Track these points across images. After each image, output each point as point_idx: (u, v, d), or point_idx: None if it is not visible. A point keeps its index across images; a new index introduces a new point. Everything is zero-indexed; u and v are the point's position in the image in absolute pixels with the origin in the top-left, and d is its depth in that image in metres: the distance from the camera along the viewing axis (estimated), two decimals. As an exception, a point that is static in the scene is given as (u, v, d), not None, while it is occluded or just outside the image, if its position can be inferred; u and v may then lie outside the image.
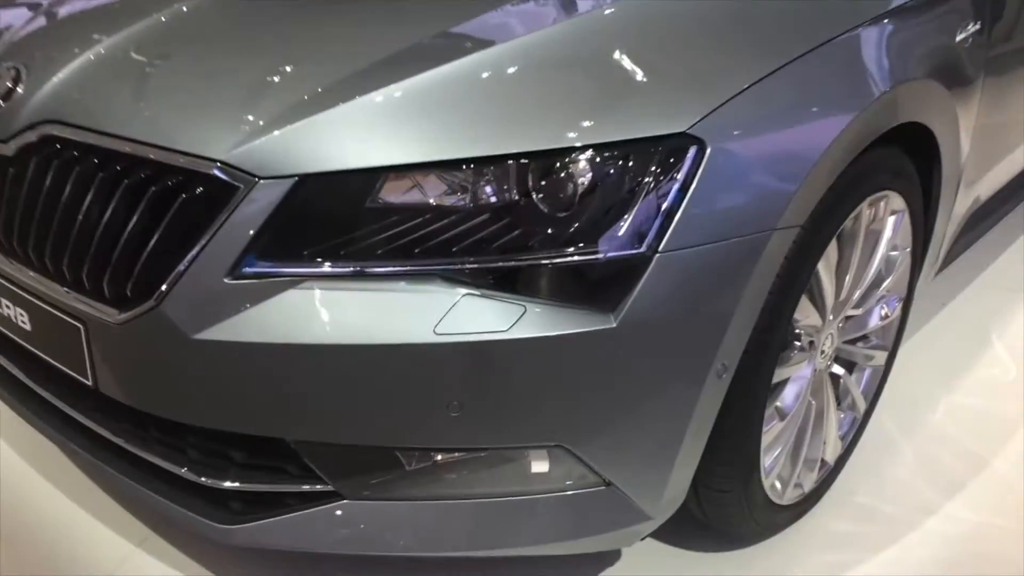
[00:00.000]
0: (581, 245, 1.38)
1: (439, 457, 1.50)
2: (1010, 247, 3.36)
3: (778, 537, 1.98)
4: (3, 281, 1.67)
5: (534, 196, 1.38)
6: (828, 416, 1.96)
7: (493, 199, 1.38)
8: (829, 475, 2.06)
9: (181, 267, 1.41)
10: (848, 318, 1.96)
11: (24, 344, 1.69)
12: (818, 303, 1.75)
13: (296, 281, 1.39)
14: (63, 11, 1.97)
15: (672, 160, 1.39)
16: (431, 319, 1.36)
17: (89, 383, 1.56)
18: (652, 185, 1.39)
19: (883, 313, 2.06)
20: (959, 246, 2.46)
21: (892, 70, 1.71)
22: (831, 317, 1.84)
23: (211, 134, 1.44)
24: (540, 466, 1.50)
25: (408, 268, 1.39)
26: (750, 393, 1.59)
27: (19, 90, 1.65)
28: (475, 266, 1.38)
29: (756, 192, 1.45)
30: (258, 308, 1.39)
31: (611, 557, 1.91)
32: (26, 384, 1.79)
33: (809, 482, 1.97)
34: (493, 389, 1.40)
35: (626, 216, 1.38)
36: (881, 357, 2.12)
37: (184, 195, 1.42)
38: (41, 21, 1.94)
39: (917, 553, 1.98)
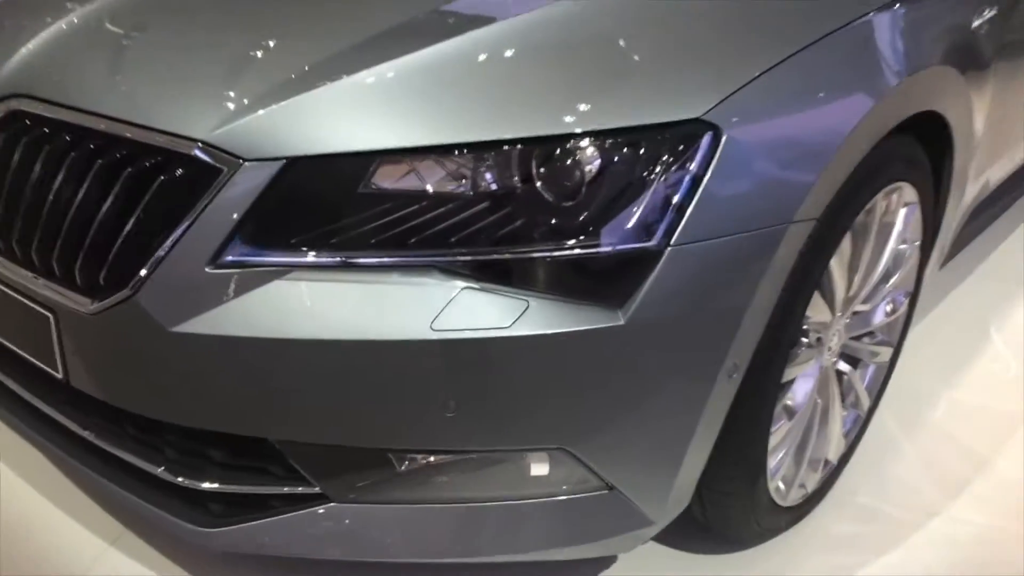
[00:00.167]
0: (587, 237, 1.29)
1: (432, 458, 1.41)
2: (1008, 238, 3.30)
3: (778, 539, 1.92)
4: (-33, 265, 1.56)
5: (538, 184, 1.29)
6: (833, 414, 1.89)
7: (494, 186, 1.30)
8: (832, 475, 1.99)
9: (159, 255, 1.32)
10: (855, 314, 1.89)
11: (-10, 332, 1.60)
12: (828, 299, 1.67)
13: (282, 271, 1.30)
14: (34, -23, 1.86)
15: (685, 147, 1.31)
16: (427, 314, 1.27)
17: (59, 376, 1.47)
18: (664, 174, 1.30)
19: (889, 308, 1.99)
20: (964, 237, 2.39)
21: (911, 56, 1.63)
22: (839, 313, 1.76)
23: (192, 112, 1.34)
24: (539, 469, 1.41)
25: (403, 259, 1.30)
26: (759, 393, 1.52)
27: (-15, 61, 1.55)
28: (475, 258, 1.30)
29: (773, 183, 1.37)
30: (241, 300, 1.30)
31: (607, 558, 1.84)
32: (-8, 374, 1.69)
33: (812, 482, 1.90)
34: (492, 389, 1.31)
35: (636, 207, 1.30)
36: (886, 353, 2.06)
37: (163, 177, 1.33)
38: (11, -12, 1.83)
39: (921, 556, 1.93)
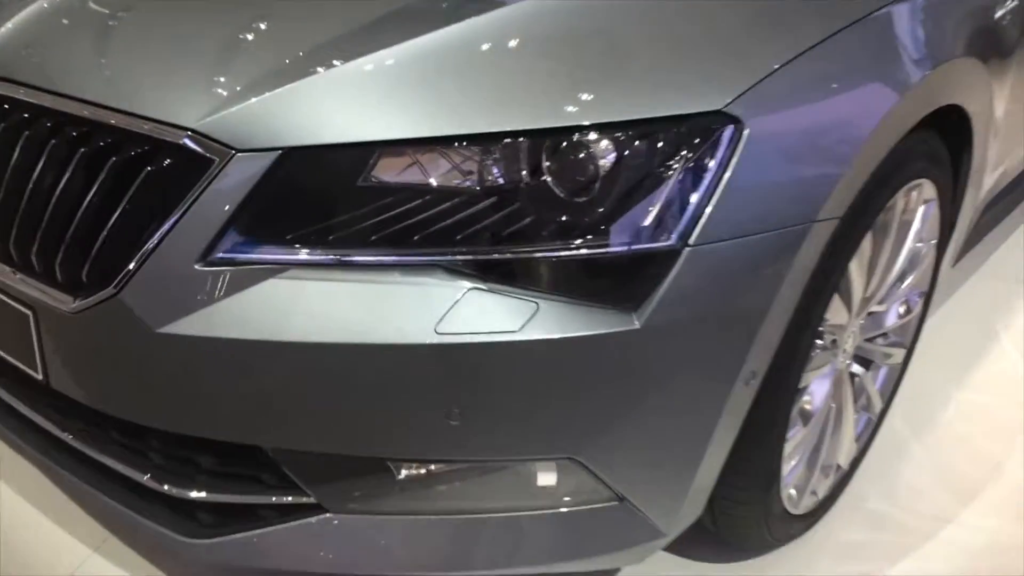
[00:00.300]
0: (601, 235, 1.22)
1: (432, 467, 1.34)
2: (1013, 234, 3.24)
3: (788, 546, 1.85)
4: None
5: (548, 179, 1.22)
6: (845, 418, 1.83)
7: (502, 181, 1.22)
8: (842, 480, 1.93)
9: (145, 250, 1.24)
10: (870, 314, 1.82)
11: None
12: (846, 300, 1.60)
13: (277, 269, 1.22)
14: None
15: (705, 141, 1.23)
16: (431, 316, 1.20)
17: (39, 378, 1.39)
18: (682, 169, 1.23)
19: (903, 309, 1.92)
20: (977, 232, 2.33)
21: (934, 48, 1.56)
22: (856, 314, 1.69)
23: (181, 99, 1.26)
24: (547, 479, 1.34)
25: (405, 258, 1.22)
26: (776, 399, 1.45)
27: (-39, 42, 1.46)
28: (481, 257, 1.22)
29: (797, 180, 1.30)
30: (233, 299, 1.22)
31: (611, 568, 1.77)
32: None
33: (823, 489, 1.84)
34: (499, 396, 1.24)
35: (652, 204, 1.22)
36: (899, 355, 1.99)
37: (149, 168, 1.25)
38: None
39: (934, 564, 1.87)
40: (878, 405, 1.98)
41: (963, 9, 1.69)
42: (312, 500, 1.34)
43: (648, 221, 1.22)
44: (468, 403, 1.24)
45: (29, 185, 1.32)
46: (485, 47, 1.29)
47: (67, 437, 1.45)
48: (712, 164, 1.23)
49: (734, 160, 1.23)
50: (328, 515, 1.35)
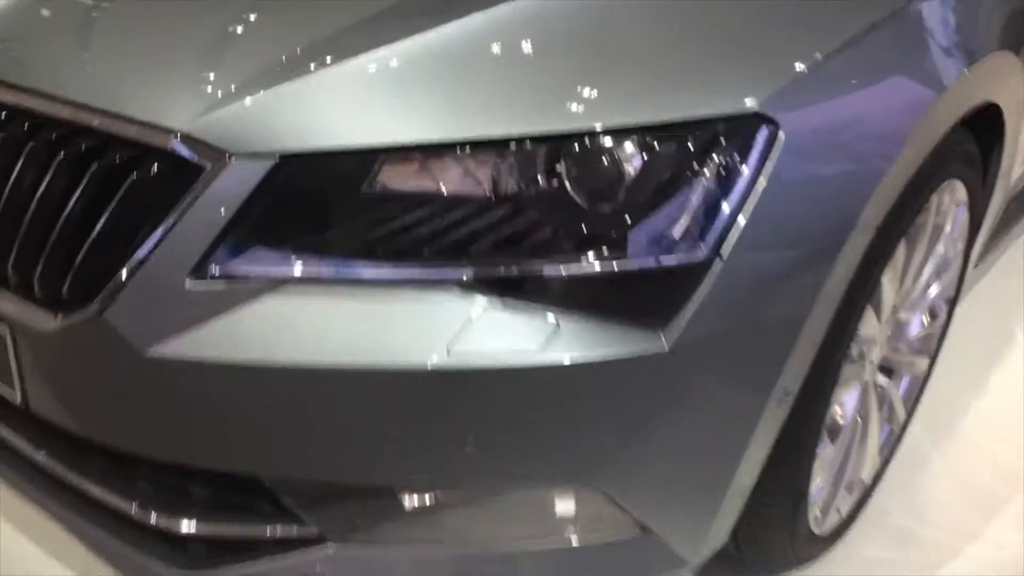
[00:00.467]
0: (627, 248, 1.12)
1: (442, 495, 1.24)
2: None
3: (810, 566, 1.76)
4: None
5: (569, 186, 1.12)
6: (870, 431, 1.74)
7: (518, 189, 1.13)
8: (864, 495, 1.84)
9: (131, 265, 1.14)
10: (898, 323, 1.73)
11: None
12: (877, 310, 1.51)
13: (275, 285, 1.13)
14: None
15: (739, 145, 1.14)
16: (443, 337, 1.10)
17: (17, 400, 1.28)
18: (715, 175, 1.13)
19: (929, 316, 1.84)
20: (999, 231, 2.24)
21: (972, 40, 1.48)
22: (885, 324, 1.60)
23: (170, 98, 1.16)
24: (565, 508, 1.25)
25: (415, 273, 1.12)
26: (807, 417, 1.36)
27: (-69, 37, 1.35)
28: (497, 272, 1.12)
29: (835, 185, 1.21)
30: (228, 318, 1.12)
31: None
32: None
33: (847, 506, 1.76)
34: (516, 422, 1.15)
35: (683, 213, 1.13)
36: (923, 363, 1.91)
37: (135, 174, 1.15)
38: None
39: (962, 584, 1.78)
40: (901, 416, 1.90)
41: (1001, 3, 1.60)
42: (312, 530, 1.25)
43: (677, 232, 1.13)
44: (482, 429, 1.14)
45: (4, 192, 1.22)
46: (497, 43, 1.19)
47: (48, 463, 1.34)
48: (746, 169, 1.14)
49: (769, 165, 1.14)
50: (329, 546, 1.25)
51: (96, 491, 1.31)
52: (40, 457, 1.35)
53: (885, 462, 1.92)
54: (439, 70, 1.15)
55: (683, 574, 1.39)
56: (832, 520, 1.70)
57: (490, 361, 1.10)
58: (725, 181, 1.13)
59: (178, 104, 1.15)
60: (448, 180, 1.13)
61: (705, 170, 1.13)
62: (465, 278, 1.13)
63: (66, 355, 1.21)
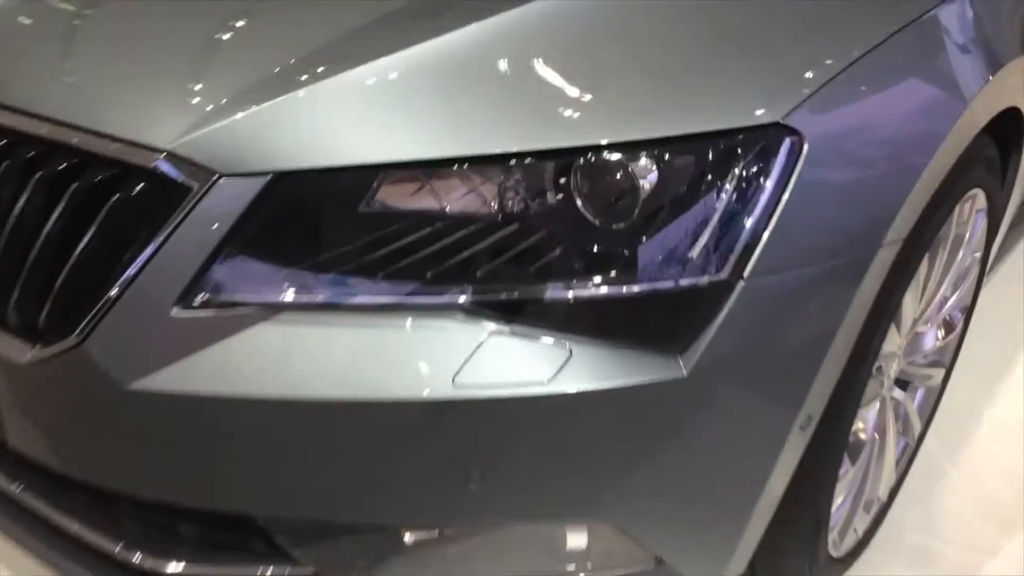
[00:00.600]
0: (643, 269, 1.05)
1: (446, 531, 1.17)
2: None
3: (826, 589, 1.70)
4: None
5: (580, 203, 1.05)
6: (888, 447, 1.68)
7: (527, 207, 1.06)
8: (881, 512, 1.77)
9: (113, 292, 1.06)
10: (915, 335, 1.67)
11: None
12: (898, 325, 1.44)
13: (268, 313, 1.05)
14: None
15: (761, 158, 1.07)
16: (448, 366, 1.03)
17: (-7, 434, 1.21)
18: (736, 190, 1.06)
19: (945, 327, 1.77)
20: (1010, 239, 2.18)
21: (997, 46, 1.41)
22: (904, 338, 1.54)
23: (154, 114, 1.09)
24: (576, 542, 1.18)
25: (417, 298, 1.05)
26: (830, 442, 1.29)
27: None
28: (505, 296, 1.05)
29: (862, 200, 1.14)
30: (216, 349, 1.05)
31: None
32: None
33: (863, 525, 1.69)
34: (526, 455, 1.08)
35: (702, 231, 1.06)
36: (939, 375, 1.84)
37: (117, 195, 1.07)
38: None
39: (984, 603, 1.72)
40: (917, 428, 1.83)
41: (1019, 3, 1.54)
42: (308, 570, 1.17)
43: (696, 251, 1.06)
44: (490, 464, 1.07)
45: (-24, 216, 1.15)
46: (502, 53, 1.12)
47: (28, 499, 1.26)
48: (769, 184, 1.07)
49: (793, 179, 1.07)
50: (328, 586, 1.18)
51: (79, 530, 1.23)
52: (19, 493, 1.27)
53: (901, 477, 1.85)
54: (441, 82, 1.08)
55: (700, 607, 1.32)
56: (849, 541, 1.64)
57: (498, 393, 1.03)
58: (746, 196, 1.07)
59: (163, 120, 1.07)
60: (451, 198, 1.06)
61: (725, 185, 1.07)
62: (470, 302, 1.06)
63: (44, 388, 1.13)
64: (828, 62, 1.13)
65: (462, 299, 1.05)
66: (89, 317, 1.07)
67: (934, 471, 2.04)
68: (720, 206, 1.06)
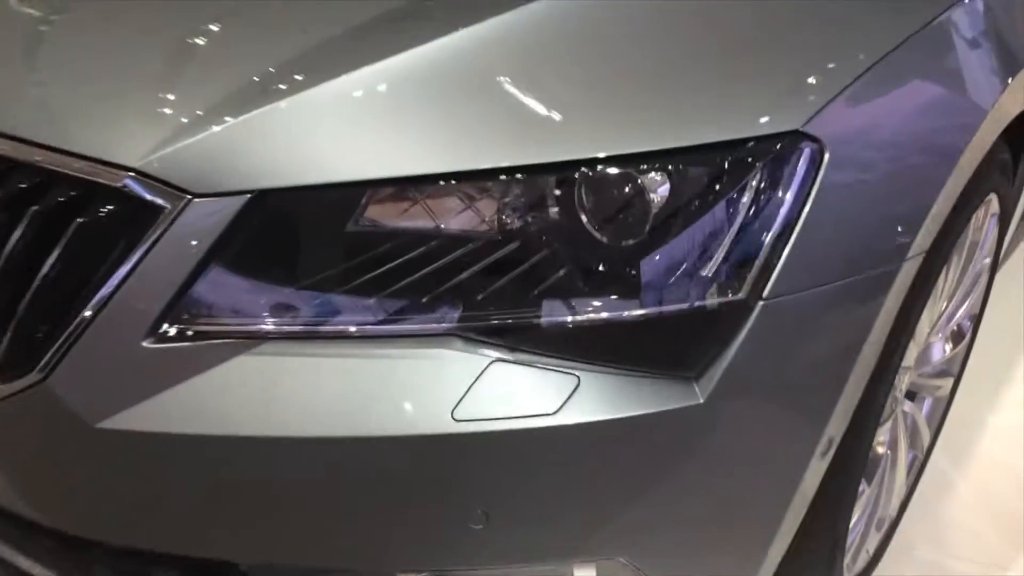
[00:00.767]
0: (654, 290, 0.98)
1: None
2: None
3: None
4: None
5: (585, 220, 0.97)
6: (899, 462, 1.61)
7: (527, 224, 0.97)
8: (891, 529, 1.71)
9: (79, 324, 0.97)
10: (926, 347, 1.60)
11: None
12: (917, 339, 1.37)
13: (249, 344, 0.97)
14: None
15: (781, 168, 0.99)
16: (447, 399, 0.95)
17: (-48, 477, 1.11)
18: (754, 204, 0.99)
19: (956, 336, 1.71)
20: (1015, 239, 2.13)
21: (1016, 49, 1.34)
22: (917, 351, 1.47)
23: (121, 130, 1.00)
24: (585, 581, 1.10)
25: (412, 325, 0.97)
26: (849, 466, 1.22)
27: None
28: (507, 320, 0.97)
29: (886, 211, 1.07)
30: (193, 384, 0.96)
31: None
32: None
33: (874, 543, 1.63)
34: (533, 492, 1.00)
35: (718, 248, 0.98)
36: (947, 385, 1.78)
37: (82, 218, 0.97)
38: None
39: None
40: (926, 439, 1.77)
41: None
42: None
43: (711, 270, 0.98)
44: (494, 503, 0.99)
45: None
46: (498, 60, 1.03)
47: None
48: (788, 196, 0.99)
49: (814, 190, 1.00)
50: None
51: (46, 577, 1.14)
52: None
53: (910, 491, 1.79)
54: (433, 92, 0.99)
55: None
56: (861, 562, 1.58)
57: (501, 426, 0.95)
58: (764, 210, 0.99)
59: (131, 135, 0.98)
60: (446, 216, 0.98)
61: (742, 198, 0.99)
62: (468, 329, 0.97)
63: (5, 427, 1.04)
64: (847, 65, 1.06)
65: (460, 325, 0.97)
66: (53, 350, 0.97)
67: (941, 483, 1.98)
68: (736, 221, 0.99)
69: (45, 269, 0.99)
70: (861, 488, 1.40)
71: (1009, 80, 1.27)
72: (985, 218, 1.50)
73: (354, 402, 0.95)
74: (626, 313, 0.98)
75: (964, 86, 1.19)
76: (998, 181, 1.43)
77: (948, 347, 1.71)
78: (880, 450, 1.47)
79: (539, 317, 0.98)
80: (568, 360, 0.98)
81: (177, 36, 1.10)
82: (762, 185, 0.99)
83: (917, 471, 1.79)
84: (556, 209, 0.98)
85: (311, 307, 0.98)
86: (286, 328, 0.97)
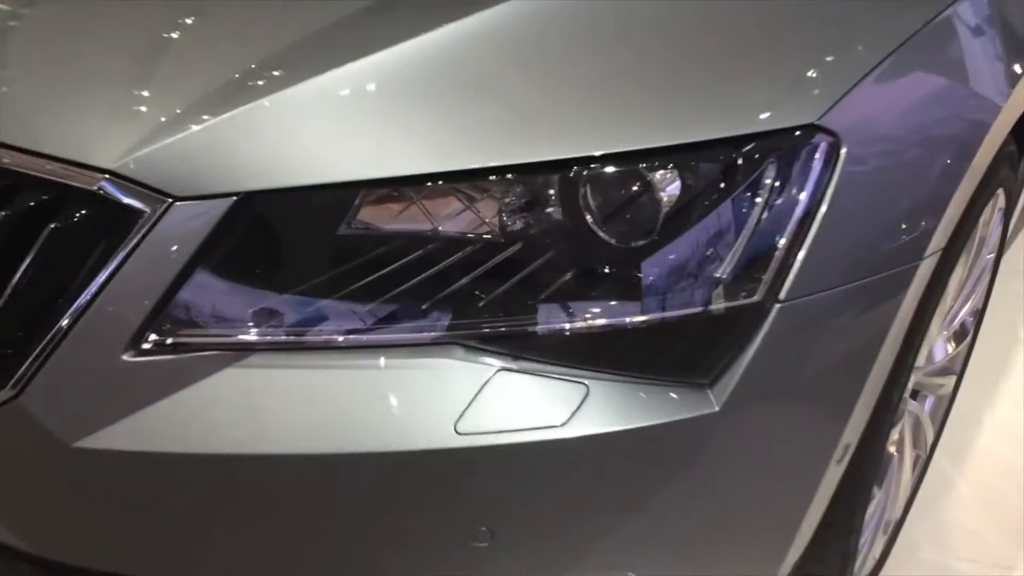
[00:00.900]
0: (666, 293, 0.92)
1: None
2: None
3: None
4: None
5: (591, 220, 0.92)
6: (905, 464, 1.57)
7: (532, 226, 0.92)
8: (896, 531, 1.67)
9: (53, 337, 0.90)
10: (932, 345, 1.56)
11: None
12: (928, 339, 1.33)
13: (236, 357, 0.91)
14: None
15: (796, 163, 0.94)
16: (449, 412, 0.90)
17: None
18: (770, 201, 0.94)
19: (959, 333, 1.67)
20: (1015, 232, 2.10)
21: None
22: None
23: (95, 129, 0.93)
24: (593, 598, 1.05)
25: (410, 334, 0.91)
26: (863, 472, 1.17)
27: None
28: (510, 327, 0.92)
29: (904, 208, 1.02)
30: (177, 400, 0.90)
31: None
32: None
33: (880, 547, 1.58)
34: (540, 508, 0.95)
35: (731, 249, 0.93)
36: (950, 383, 1.74)
37: (55, 224, 0.91)
38: None
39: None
40: (929, 439, 1.73)
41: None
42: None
43: (725, 272, 0.93)
44: (499, 520, 0.94)
45: None
46: (499, 52, 0.98)
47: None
48: (805, 193, 0.95)
49: (832, 187, 0.95)
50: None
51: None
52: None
53: (914, 491, 1.75)
54: (429, 86, 0.94)
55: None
56: (868, 566, 1.54)
57: (507, 439, 0.89)
58: (780, 207, 0.94)
59: (106, 135, 0.92)
60: (445, 218, 0.92)
61: (756, 195, 0.94)
62: (471, 337, 0.92)
63: (-24, 448, 0.97)
64: (861, 56, 1.01)
65: (461, 333, 0.92)
66: (26, 365, 0.91)
67: (942, 481, 1.95)
68: (751, 219, 0.94)
69: (16, 278, 0.92)
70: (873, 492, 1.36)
71: (1022, 73, 1.23)
72: (992, 213, 1.46)
73: (350, 416, 0.90)
74: (636, 318, 0.93)
75: (979, 79, 1.15)
76: (1006, 175, 1.39)
77: (951, 345, 1.67)
78: (890, 451, 1.43)
79: (544, 323, 0.92)
80: (576, 368, 0.93)
81: (153, 33, 1.04)
82: (777, 181, 0.94)
83: (921, 470, 1.75)
84: (560, 209, 0.93)
85: (303, 316, 0.92)
86: (277, 338, 0.91)
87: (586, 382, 0.92)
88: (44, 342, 0.91)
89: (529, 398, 0.91)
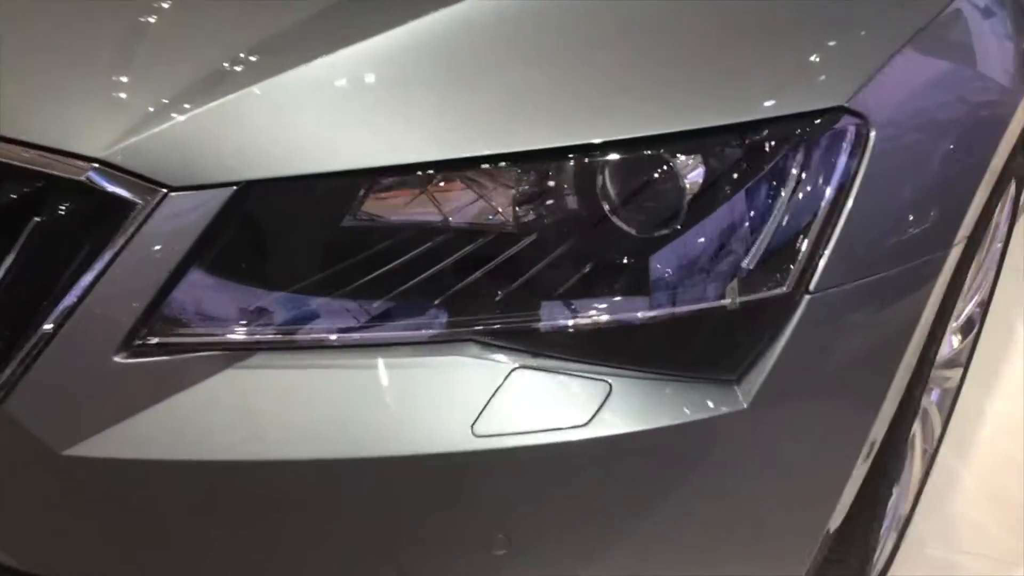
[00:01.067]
0: (690, 285, 0.88)
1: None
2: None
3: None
4: None
5: (609, 209, 0.87)
6: (915, 459, 1.54)
7: (548, 216, 0.87)
8: (904, 527, 1.64)
9: (39, 338, 0.84)
10: (942, 336, 1.53)
11: None
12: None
13: (236, 357, 0.86)
14: None
15: (824, 149, 0.90)
16: (465, 413, 0.85)
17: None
18: (796, 189, 0.89)
19: (966, 325, 1.64)
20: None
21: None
22: (940, 342, 1.40)
23: (83, 116, 0.87)
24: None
25: (423, 330, 0.86)
26: (887, 468, 1.14)
27: None
28: (528, 323, 0.86)
29: (934, 194, 0.99)
30: (173, 403, 0.85)
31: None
32: None
33: (890, 543, 1.55)
34: (561, 512, 0.90)
35: (758, 238, 0.89)
36: (956, 376, 1.71)
37: (40, 217, 0.85)
38: None
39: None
40: (936, 432, 1.70)
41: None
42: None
43: (753, 262, 0.89)
44: (519, 525, 0.90)
45: None
46: (510, 32, 0.92)
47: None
48: (833, 180, 0.90)
49: (861, 172, 0.90)
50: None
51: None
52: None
53: (922, 485, 1.73)
54: (437, 70, 0.88)
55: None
56: (879, 564, 1.50)
57: (526, 441, 0.85)
58: (809, 194, 0.90)
59: (94, 123, 0.86)
60: (456, 208, 0.87)
61: (783, 182, 0.89)
62: (486, 334, 0.87)
63: (-42, 457, 0.91)
64: (890, 33, 0.96)
65: (476, 329, 0.87)
66: (11, 369, 0.85)
67: (947, 476, 1.93)
68: (779, 206, 0.89)
69: (-1, 275, 0.86)
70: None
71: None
72: (1004, 202, 1.43)
73: (359, 419, 0.85)
74: (660, 311, 0.88)
75: (1006, 59, 1.11)
76: (1019, 163, 1.36)
77: (958, 337, 1.64)
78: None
79: (563, 319, 0.87)
80: (597, 365, 0.88)
81: (140, 20, 0.97)
82: (804, 166, 0.90)
83: (928, 464, 1.73)
84: (577, 198, 0.88)
85: (307, 313, 0.87)
86: (279, 337, 0.86)
87: (608, 379, 0.88)
88: (30, 344, 0.85)
89: (549, 397, 0.86)
